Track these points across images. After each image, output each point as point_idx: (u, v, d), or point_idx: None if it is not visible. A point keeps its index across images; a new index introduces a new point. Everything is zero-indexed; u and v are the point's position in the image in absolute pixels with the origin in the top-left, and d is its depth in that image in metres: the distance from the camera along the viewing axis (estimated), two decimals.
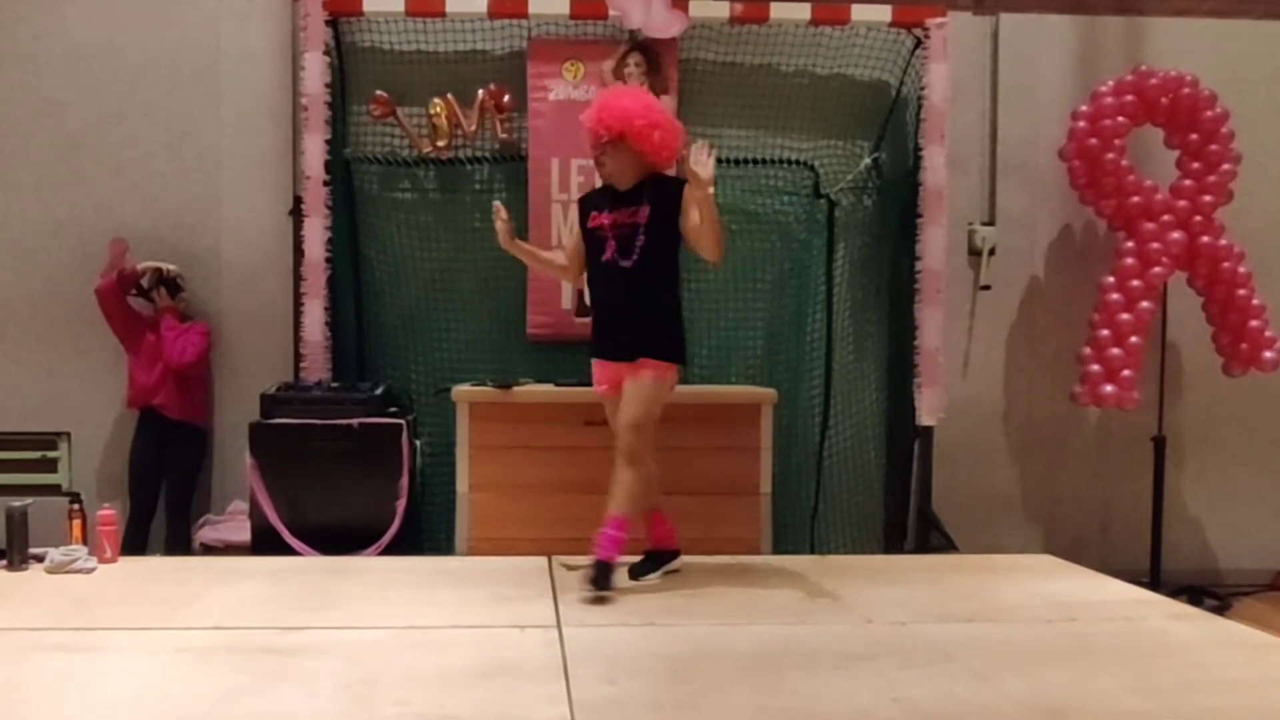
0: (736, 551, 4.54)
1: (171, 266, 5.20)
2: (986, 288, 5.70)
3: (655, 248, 3.89)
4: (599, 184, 4.18)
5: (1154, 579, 5.32)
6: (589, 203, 4.10)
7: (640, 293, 3.92)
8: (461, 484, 4.76)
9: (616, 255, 3.89)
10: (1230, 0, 5.75)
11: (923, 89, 5.36)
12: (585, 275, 4.17)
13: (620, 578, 3.83)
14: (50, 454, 5.42)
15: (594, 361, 4.10)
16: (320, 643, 3.16)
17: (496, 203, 4.20)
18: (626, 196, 3.93)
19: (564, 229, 5.38)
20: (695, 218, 3.81)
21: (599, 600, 3.64)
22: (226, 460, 5.40)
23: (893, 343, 5.56)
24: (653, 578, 4.01)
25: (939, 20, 5.33)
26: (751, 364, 5.54)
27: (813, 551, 5.24)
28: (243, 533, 4.81)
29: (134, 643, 3.15)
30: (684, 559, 4.18)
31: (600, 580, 3.69)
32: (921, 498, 5.50)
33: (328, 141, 5.17)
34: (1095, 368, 5.32)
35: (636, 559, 4.05)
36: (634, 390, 3.89)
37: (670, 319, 4.01)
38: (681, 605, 3.64)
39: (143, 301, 5.25)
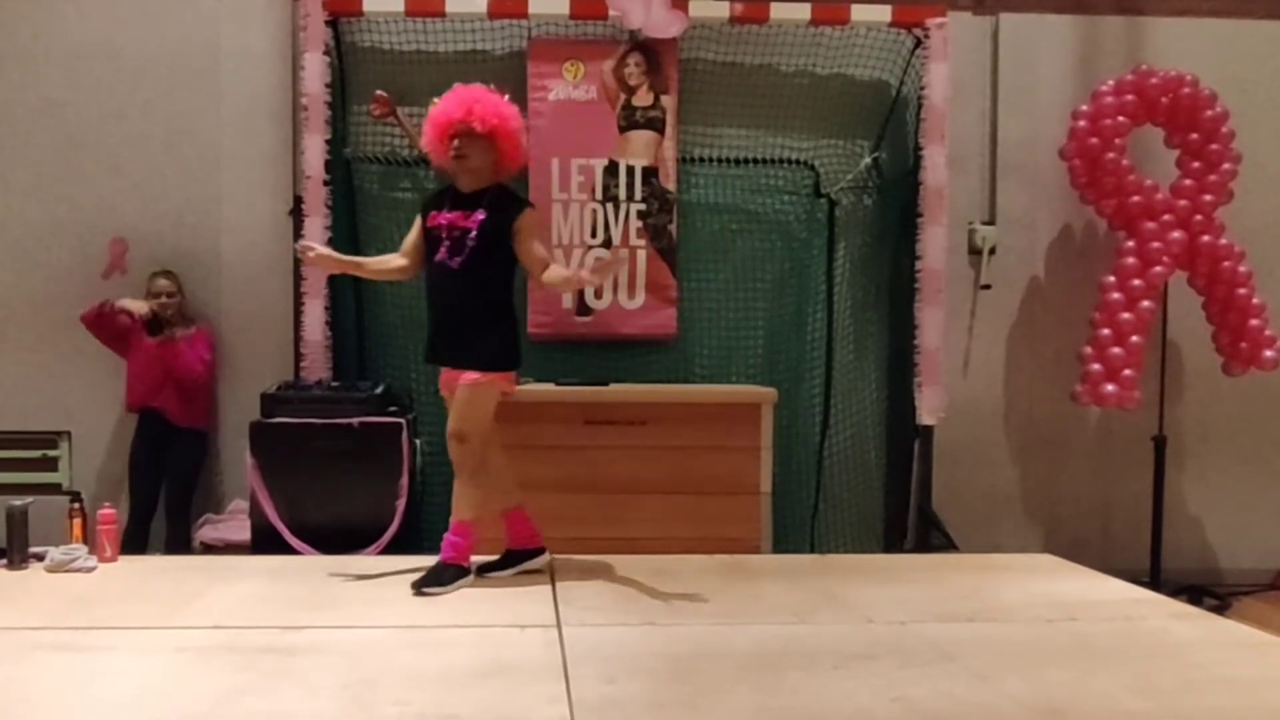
0: (736, 551, 4.53)
1: (145, 309, 5.07)
2: (987, 287, 5.70)
3: (486, 253, 3.83)
4: (444, 183, 4.12)
5: (1154, 579, 5.32)
6: (430, 202, 4.03)
7: (467, 297, 3.86)
8: None
9: (448, 256, 3.83)
10: (1230, 0, 5.75)
11: (923, 89, 5.36)
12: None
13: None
14: (50, 453, 5.42)
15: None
16: (320, 642, 3.16)
17: (299, 243, 4.18)
18: (468, 200, 3.88)
19: (564, 229, 5.39)
20: (554, 273, 3.91)
21: (421, 595, 3.72)
22: (226, 460, 5.40)
23: (893, 342, 5.56)
24: (504, 574, 4.01)
25: (939, 20, 5.33)
26: (751, 364, 5.54)
27: (813, 551, 5.24)
28: (243, 532, 4.81)
29: (134, 642, 3.15)
30: (682, 557, 4.17)
31: (428, 580, 3.78)
32: (922, 497, 5.50)
33: (328, 141, 5.17)
34: (1096, 367, 5.32)
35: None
36: (459, 399, 3.85)
37: (497, 326, 3.92)
38: (681, 605, 3.64)
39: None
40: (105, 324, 5.09)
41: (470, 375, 3.84)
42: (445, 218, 3.89)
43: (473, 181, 3.88)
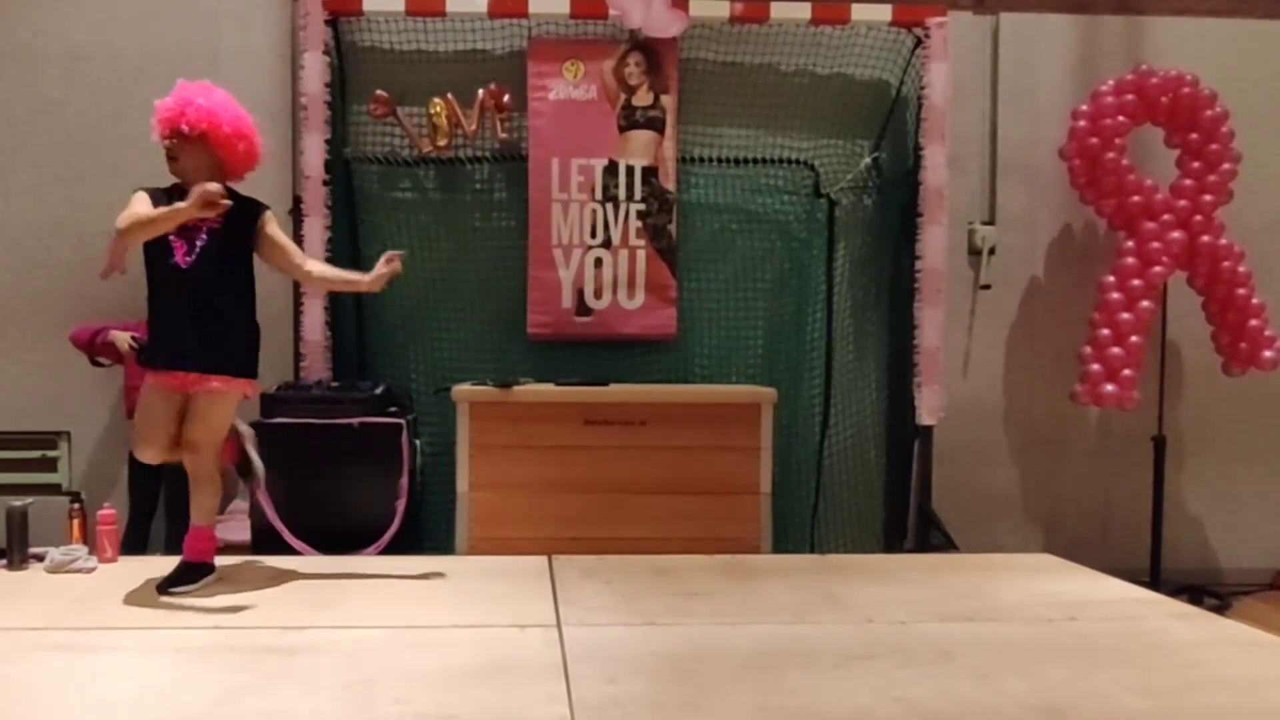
0: (736, 551, 4.54)
1: (136, 340, 4.87)
2: (987, 287, 5.70)
3: (222, 254, 3.69)
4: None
5: (1154, 578, 5.32)
6: (155, 199, 3.70)
7: (205, 299, 3.68)
8: (461, 483, 4.77)
9: (183, 256, 3.65)
10: (1230, 0, 5.75)
11: (923, 88, 5.36)
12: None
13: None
14: (50, 454, 5.42)
15: (151, 369, 3.78)
16: (320, 642, 3.16)
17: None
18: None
19: (564, 229, 5.39)
20: (324, 269, 3.96)
21: (169, 595, 3.68)
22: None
23: (893, 342, 5.56)
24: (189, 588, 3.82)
25: (939, 20, 5.33)
26: (751, 364, 5.54)
27: (813, 551, 5.24)
28: (243, 532, 4.80)
29: (134, 642, 3.15)
30: (682, 557, 4.18)
31: (174, 580, 3.75)
32: (921, 497, 5.50)
33: (327, 141, 5.17)
34: (1095, 367, 5.32)
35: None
36: (205, 408, 3.73)
37: (240, 331, 3.81)
38: (681, 605, 3.64)
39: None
40: (96, 353, 5.05)
41: (218, 384, 3.71)
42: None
43: (196, 181, 3.63)
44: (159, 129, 3.73)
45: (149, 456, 3.83)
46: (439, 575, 4.03)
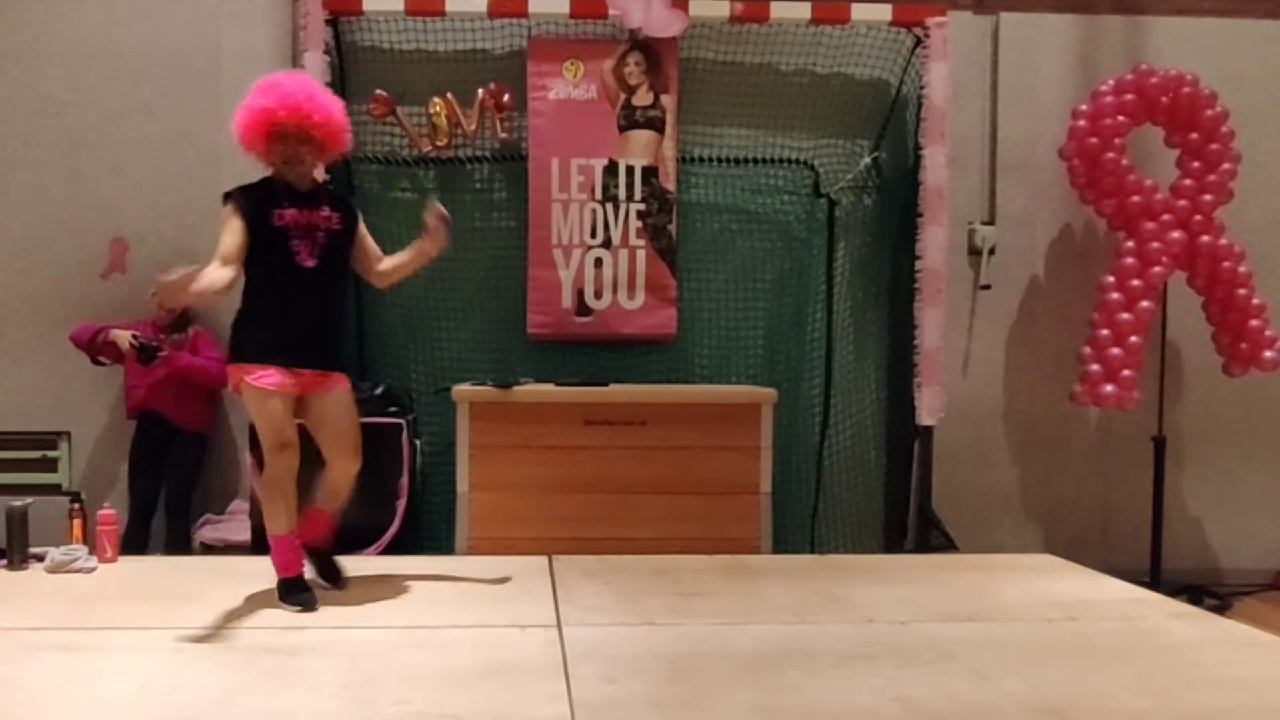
0: (736, 551, 4.54)
1: (136, 339, 4.95)
2: (986, 287, 5.70)
3: (339, 254, 3.73)
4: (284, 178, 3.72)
5: (1154, 578, 5.32)
6: (248, 201, 3.62)
7: (326, 298, 3.72)
8: (461, 484, 4.77)
9: (307, 257, 3.62)
10: (1230, 0, 5.75)
11: (923, 88, 5.36)
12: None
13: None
14: (50, 454, 5.42)
15: (270, 368, 3.60)
16: (320, 642, 3.16)
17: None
18: (306, 197, 3.68)
19: (564, 229, 5.38)
20: (391, 259, 3.85)
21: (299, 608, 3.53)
22: (226, 460, 5.40)
23: (893, 342, 5.56)
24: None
25: (939, 19, 5.33)
26: (751, 364, 5.54)
27: (813, 551, 5.24)
28: (243, 532, 4.81)
29: (134, 642, 3.15)
30: (682, 557, 4.18)
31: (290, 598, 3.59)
32: (922, 497, 5.50)
33: None
34: (1095, 367, 5.32)
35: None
36: (344, 407, 3.74)
37: (344, 328, 3.90)
38: (681, 605, 3.64)
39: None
40: (97, 352, 5.06)
41: (342, 382, 3.76)
42: (292, 215, 3.62)
43: (308, 180, 3.71)
44: (283, 121, 3.57)
45: (293, 458, 3.63)
46: (439, 575, 4.03)
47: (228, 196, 3.65)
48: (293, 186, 3.67)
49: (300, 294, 3.65)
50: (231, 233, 3.57)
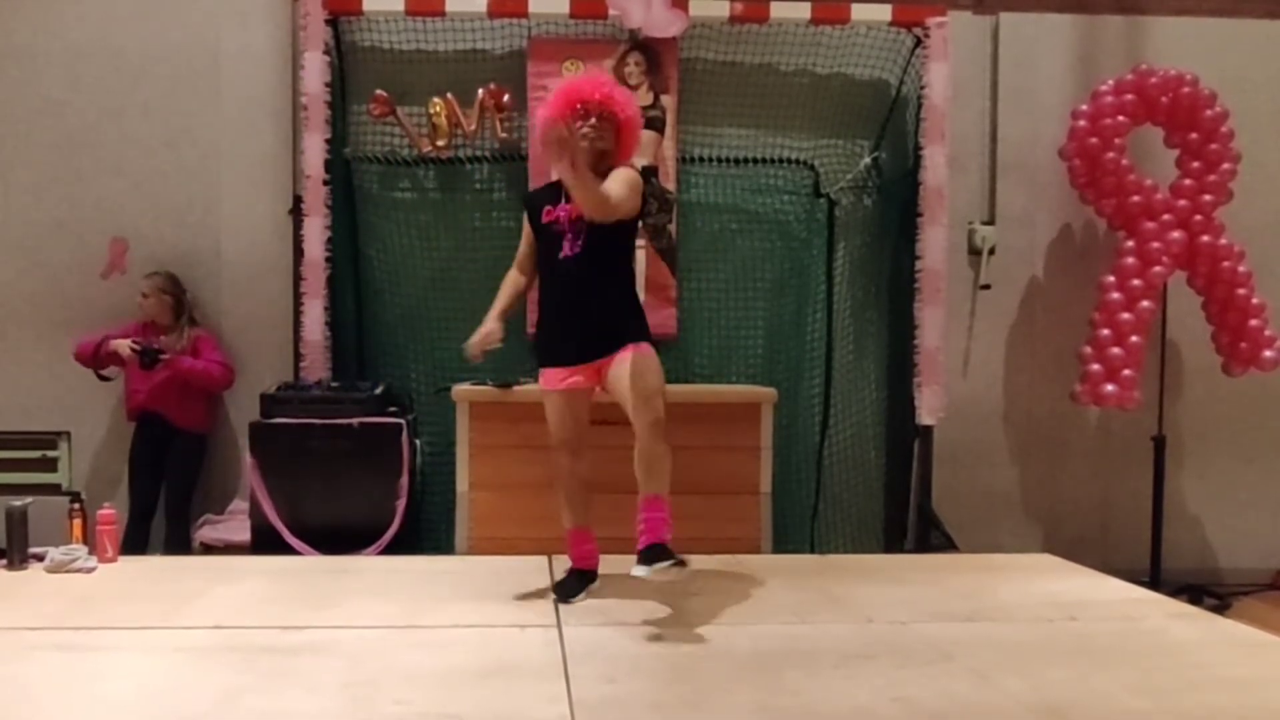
0: (736, 551, 4.54)
1: (136, 344, 4.96)
2: (986, 287, 5.70)
3: (609, 237, 3.67)
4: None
5: (1154, 578, 5.32)
6: (539, 199, 3.81)
7: (604, 283, 3.71)
8: (461, 483, 4.77)
9: (572, 248, 3.64)
10: (1230, 0, 5.75)
11: (923, 88, 5.36)
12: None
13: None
14: (50, 454, 5.42)
15: (549, 369, 3.79)
16: (320, 642, 3.16)
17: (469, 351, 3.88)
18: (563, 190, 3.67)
19: None
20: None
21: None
22: (226, 460, 5.40)
23: (893, 342, 5.55)
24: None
25: (939, 19, 5.33)
26: (751, 364, 5.54)
27: (813, 551, 5.24)
28: (243, 532, 4.81)
29: (134, 642, 3.15)
30: (687, 557, 4.16)
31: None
32: (922, 497, 5.50)
33: (328, 141, 5.16)
34: (1095, 367, 5.32)
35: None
36: (639, 362, 3.66)
37: (634, 302, 3.86)
38: (681, 605, 3.64)
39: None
40: (102, 365, 5.06)
41: (637, 348, 3.67)
42: (563, 211, 3.68)
43: (594, 167, 3.62)
44: (583, 106, 3.60)
45: (565, 459, 3.87)
46: (439, 575, 4.03)
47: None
48: (558, 184, 3.69)
49: (563, 284, 3.72)
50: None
